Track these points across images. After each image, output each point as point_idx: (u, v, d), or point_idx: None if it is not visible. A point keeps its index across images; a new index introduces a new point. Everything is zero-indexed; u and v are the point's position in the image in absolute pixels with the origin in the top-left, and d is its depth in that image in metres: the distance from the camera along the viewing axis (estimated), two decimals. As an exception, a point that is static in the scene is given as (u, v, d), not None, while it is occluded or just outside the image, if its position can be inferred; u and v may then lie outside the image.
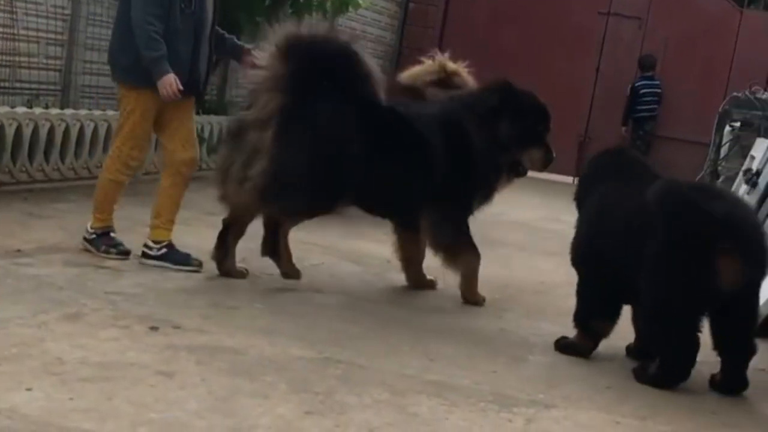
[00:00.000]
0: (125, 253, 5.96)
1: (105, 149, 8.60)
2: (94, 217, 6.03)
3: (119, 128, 6.03)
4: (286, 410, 3.90)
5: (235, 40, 6.41)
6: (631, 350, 5.30)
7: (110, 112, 8.75)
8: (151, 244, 5.96)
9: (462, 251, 6.07)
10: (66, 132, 8.08)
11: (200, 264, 5.96)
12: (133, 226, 6.33)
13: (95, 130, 8.46)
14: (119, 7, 6.03)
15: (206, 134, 10.14)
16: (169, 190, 6.03)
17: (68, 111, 8.29)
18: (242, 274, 5.97)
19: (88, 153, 8.42)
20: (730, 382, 4.92)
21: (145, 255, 5.96)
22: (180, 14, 5.83)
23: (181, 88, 5.77)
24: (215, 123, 9.94)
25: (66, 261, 5.73)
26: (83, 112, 8.45)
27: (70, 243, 6.18)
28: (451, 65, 6.75)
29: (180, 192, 6.05)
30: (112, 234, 6.02)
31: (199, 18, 5.93)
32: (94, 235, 5.99)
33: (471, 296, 6.11)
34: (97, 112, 8.62)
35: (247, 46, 6.38)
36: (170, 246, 5.97)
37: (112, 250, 5.95)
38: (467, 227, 6.13)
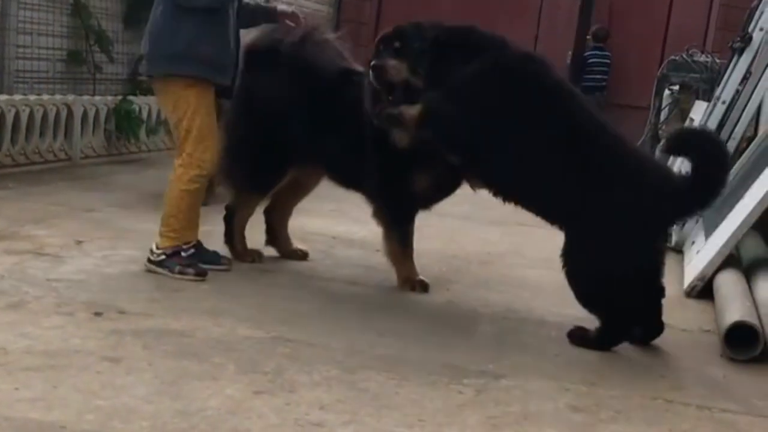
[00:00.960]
0: (203, 274, 5.47)
1: (41, 134, 8.51)
2: (162, 235, 5.49)
3: (185, 133, 5.40)
4: (235, 391, 3.87)
5: (260, 3, 5.99)
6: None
7: (45, 97, 8.64)
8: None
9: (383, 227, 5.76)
10: (1, 118, 7.94)
11: (230, 262, 5.79)
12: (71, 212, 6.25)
13: (31, 115, 8.34)
14: None
15: (144, 115, 10.05)
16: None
17: (3, 97, 8.15)
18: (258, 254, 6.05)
19: (25, 139, 8.29)
20: (651, 331, 5.03)
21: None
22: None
23: None
24: (153, 104, 9.84)
25: (6, 249, 5.64)
26: (18, 97, 8.31)
27: (9, 231, 6.09)
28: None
29: (204, 193, 5.68)
30: (183, 252, 5.51)
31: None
32: (163, 256, 5.46)
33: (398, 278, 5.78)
34: (32, 97, 8.49)
35: (276, 6, 5.94)
36: (198, 245, 5.63)
37: (189, 270, 5.43)
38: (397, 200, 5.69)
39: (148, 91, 9.90)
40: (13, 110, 8.08)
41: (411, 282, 5.70)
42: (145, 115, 9.89)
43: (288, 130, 5.72)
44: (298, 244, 6.26)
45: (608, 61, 15.22)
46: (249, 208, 6.06)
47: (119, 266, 5.57)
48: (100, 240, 6.10)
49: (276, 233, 6.22)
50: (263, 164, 5.84)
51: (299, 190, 6.18)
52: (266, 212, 6.21)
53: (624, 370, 4.68)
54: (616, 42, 15.14)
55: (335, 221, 6.60)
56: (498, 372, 4.45)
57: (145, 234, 5.95)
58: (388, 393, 4.04)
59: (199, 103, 5.37)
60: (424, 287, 5.70)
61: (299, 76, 5.74)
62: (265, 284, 5.57)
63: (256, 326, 4.73)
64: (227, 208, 6.06)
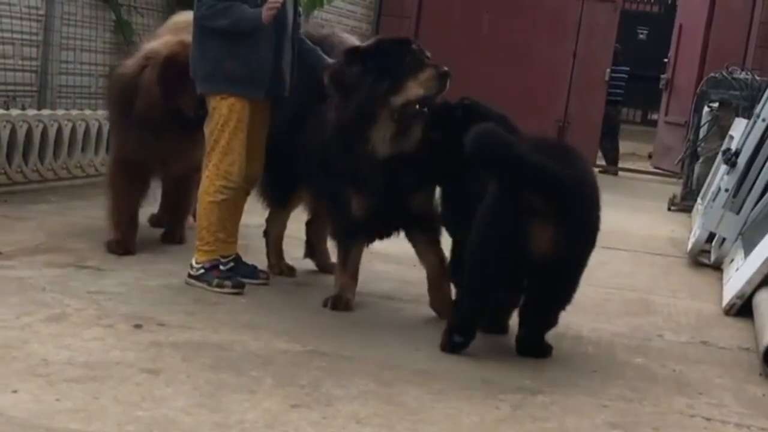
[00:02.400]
0: (240, 286, 5.50)
1: (83, 149, 8.60)
2: (198, 249, 5.55)
3: (213, 144, 5.45)
4: (272, 404, 3.90)
5: (319, 51, 5.71)
6: None
7: (87, 112, 8.74)
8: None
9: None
10: (44, 133, 8.04)
11: (268, 276, 5.81)
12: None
13: (73, 130, 8.44)
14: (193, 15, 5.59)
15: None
16: (238, 203, 5.65)
17: (45, 112, 8.25)
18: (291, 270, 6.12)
19: (67, 153, 8.39)
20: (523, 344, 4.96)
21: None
22: (261, 6, 5.35)
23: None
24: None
25: (48, 262, 5.71)
26: (60, 112, 8.41)
27: (52, 244, 6.16)
28: None
29: (242, 206, 5.73)
30: (221, 266, 5.55)
31: (280, 15, 5.42)
32: (201, 270, 5.52)
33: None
34: (74, 112, 8.58)
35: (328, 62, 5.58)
36: (237, 259, 5.67)
37: (227, 283, 5.46)
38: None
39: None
40: (56, 125, 8.18)
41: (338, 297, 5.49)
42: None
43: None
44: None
45: (624, 76, 15.38)
46: (277, 222, 6.12)
47: (159, 279, 5.63)
48: (140, 253, 6.16)
49: (314, 247, 6.26)
50: (279, 180, 5.92)
51: None
52: (306, 225, 6.27)
53: (662, 386, 4.66)
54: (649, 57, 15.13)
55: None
56: (535, 388, 4.44)
57: (183, 248, 6.01)
58: (425, 407, 4.05)
59: (230, 116, 5.40)
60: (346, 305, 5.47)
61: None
62: (301, 298, 5.61)
63: (293, 340, 4.76)
64: (265, 232, 6.16)
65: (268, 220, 6.15)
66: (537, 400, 4.29)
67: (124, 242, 6.12)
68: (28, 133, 7.84)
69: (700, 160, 10.91)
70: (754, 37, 14.18)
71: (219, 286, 5.44)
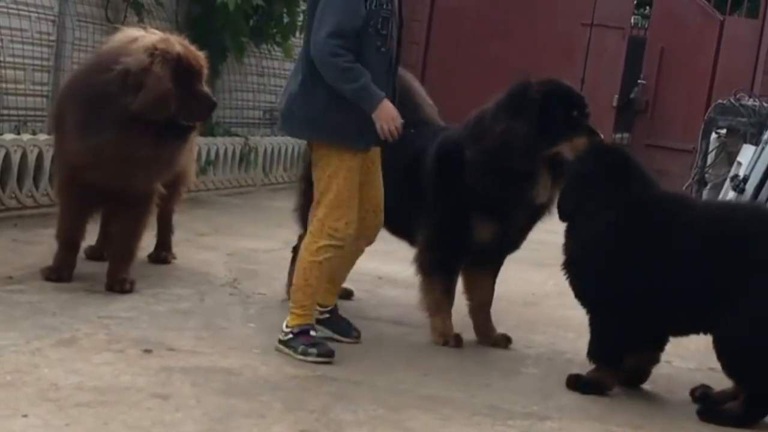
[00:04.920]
0: (329, 355, 4.92)
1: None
2: (291, 311, 5.02)
3: (320, 196, 4.94)
4: (281, 429, 3.91)
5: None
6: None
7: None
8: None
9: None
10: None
11: (359, 335, 5.34)
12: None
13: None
14: (301, 52, 5.09)
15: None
16: (351, 256, 5.27)
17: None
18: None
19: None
20: None
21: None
22: (376, 53, 4.86)
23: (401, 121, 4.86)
24: (203, 144, 9.96)
25: (58, 286, 5.73)
26: (71, 136, 8.45)
27: (62, 268, 6.17)
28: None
29: (355, 260, 5.37)
30: (312, 332, 5.01)
31: (390, 58, 5.00)
32: (290, 335, 4.96)
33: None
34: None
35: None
36: (334, 311, 5.37)
37: (312, 350, 4.89)
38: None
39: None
40: (66, 149, 8.21)
41: (445, 336, 5.49)
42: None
43: None
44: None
45: None
46: None
47: (168, 304, 5.64)
48: (150, 278, 6.17)
49: None
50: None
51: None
52: None
53: (670, 413, 4.66)
54: (663, 85, 15.10)
55: (381, 261, 6.63)
56: (543, 413, 4.45)
57: (193, 273, 6.02)
58: (433, 433, 4.06)
59: (340, 167, 4.89)
60: (458, 342, 5.48)
61: None
62: (311, 323, 5.62)
63: (302, 364, 4.78)
64: (294, 249, 6.00)
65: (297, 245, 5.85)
66: (545, 426, 4.30)
67: (58, 269, 5.84)
68: (39, 158, 7.88)
69: (708, 187, 10.91)
70: (762, 63, 14.21)
71: (304, 353, 4.89)
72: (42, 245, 6.78)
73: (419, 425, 4.13)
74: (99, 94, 5.47)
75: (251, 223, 8.19)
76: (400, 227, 5.69)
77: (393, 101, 4.95)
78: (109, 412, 3.89)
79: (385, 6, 4.86)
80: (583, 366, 5.25)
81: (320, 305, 5.21)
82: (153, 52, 5.47)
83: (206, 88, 5.76)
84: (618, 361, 4.89)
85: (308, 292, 4.97)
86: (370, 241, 5.31)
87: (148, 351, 4.71)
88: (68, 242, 5.90)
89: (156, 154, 5.61)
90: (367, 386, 4.57)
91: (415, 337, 5.58)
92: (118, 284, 5.72)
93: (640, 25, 19.95)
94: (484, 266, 5.62)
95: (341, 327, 5.32)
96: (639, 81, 15.43)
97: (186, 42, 5.75)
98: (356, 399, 4.36)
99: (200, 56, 5.74)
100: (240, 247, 7.33)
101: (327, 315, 5.29)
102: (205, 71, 5.75)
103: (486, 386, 4.77)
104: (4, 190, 7.58)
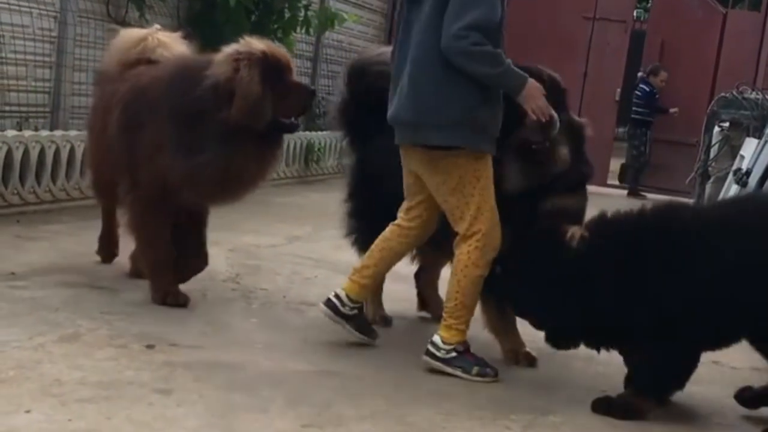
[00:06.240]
0: (497, 374, 4.80)
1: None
2: (452, 327, 4.80)
3: (476, 211, 4.71)
4: (284, 424, 3.91)
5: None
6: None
7: (100, 133, 8.76)
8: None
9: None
10: (56, 154, 8.08)
11: (496, 374, 4.85)
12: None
13: (86, 151, 8.47)
14: (419, 49, 4.73)
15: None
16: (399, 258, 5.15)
17: (58, 132, 8.29)
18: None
19: (80, 174, 8.43)
20: None
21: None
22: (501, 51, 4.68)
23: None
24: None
25: (60, 282, 5.73)
26: (73, 133, 8.44)
27: (64, 264, 6.18)
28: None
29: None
30: (469, 348, 4.85)
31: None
32: (453, 353, 4.77)
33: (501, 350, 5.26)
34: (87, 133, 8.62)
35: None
36: (362, 308, 5.15)
37: (488, 371, 4.77)
38: None
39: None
40: (69, 146, 8.21)
41: (515, 354, 5.19)
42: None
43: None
44: (343, 279, 6.28)
45: (639, 93, 15.15)
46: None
47: (171, 299, 5.64)
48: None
49: (427, 298, 6.06)
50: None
51: None
52: (415, 277, 6.07)
53: (674, 407, 4.65)
54: (670, 80, 15.07)
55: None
56: (546, 407, 4.45)
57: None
58: (435, 428, 4.07)
59: (485, 175, 4.72)
60: (530, 361, 5.16)
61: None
62: (312, 318, 5.61)
63: (304, 360, 4.78)
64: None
65: None
66: (548, 420, 4.30)
67: (176, 293, 5.53)
68: (41, 154, 7.89)
69: (711, 180, 10.91)
70: (765, 56, 14.21)
71: (480, 375, 4.75)
72: (45, 241, 6.80)
73: (422, 420, 4.13)
74: (192, 112, 5.18)
75: (253, 219, 8.19)
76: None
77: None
78: (111, 407, 3.88)
79: (504, 6, 4.77)
80: (587, 360, 5.24)
81: (353, 300, 5.05)
82: (236, 57, 5.24)
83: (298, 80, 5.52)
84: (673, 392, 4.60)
85: (472, 308, 4.84)
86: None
87: (150, 346, 4.72)
88: (167, 263, 5.54)
89: (261, 165, 5.40)
90: (369, 381, 4.57)
91: (418, 331, 5.58)
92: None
93: (642, 18, 19.94)
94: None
95: (365, 326, 5.17)
96: (639, 74, 15.41)
97: (267, 41, 5.53)
98: (358, 394, 4.36)
99: (283, 50, 5.60)
100: (242, 242, 7.34)
101: (356, 311, 5.08)
102: (293, 63, 5.48)
103: (488, 381, 4.76)
104: (7, 187, 7.58)
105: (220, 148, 5.15)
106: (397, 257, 5.11)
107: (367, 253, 5.10)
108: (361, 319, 5.14)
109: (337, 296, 5.05)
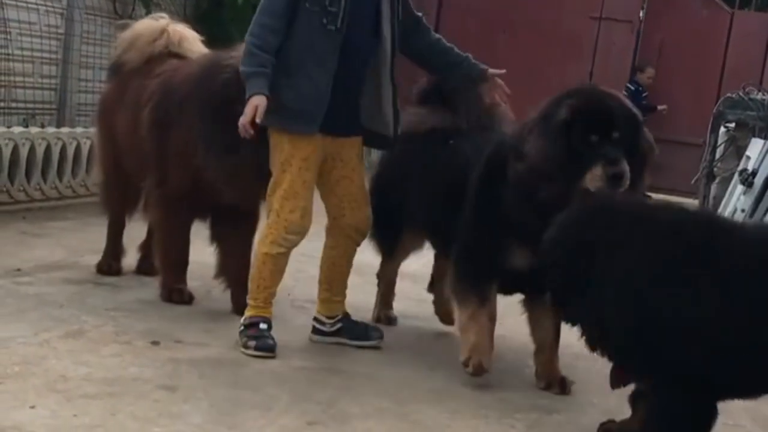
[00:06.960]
0: (267, 350, 4.76)
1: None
2: (248, 304, 4.96)
3: (273, 186, 4.80)
4: (288, 421, 3.92)
5: (471, 59, 5.31)
6: None
7: (106, 130, 8.78)
8: (323, 319, 5.13)
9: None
10: (63, 150, 8.10)
11: (381, 336, 5.12)
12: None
13: (92, 148, 8.48)
14: None
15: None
16: (341, 260, 5.11)
17: (64, 129, 8.31)
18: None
19: (86, 171, 8.44)
20: None
21: (316, 331, 5.15)
22: (318, 31, 4.67)
23: (257, 120, 4.59)
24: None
25: (66, 278, 5.75)
26: (79, 130, 8.47)
27: (70, 261, 6.20)
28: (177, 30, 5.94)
29: (350, 260, 5.14)
30: (262, 325, 4.86)
31: (351, 41, 4.74)
32: (242, 327, 4.87)
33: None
34: (93, 130, 8.63)
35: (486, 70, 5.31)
36: (345, 319, 5.15)
37: (250, 344, 4.76)
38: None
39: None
40: (75, 142, 8.24)
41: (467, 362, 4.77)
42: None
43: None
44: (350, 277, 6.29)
45: (625, 93, 15.08)
46: (388, 270, 5.84)
47: (176, 296, 5.65)
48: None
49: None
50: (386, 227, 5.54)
51: None
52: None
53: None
54: (671, 78, 15.05)
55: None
56: (550, 407, 4.45)
57: (200, 265, 6.01)
58: (440, 426, 4.07)
59: (293, 154, 4.75)
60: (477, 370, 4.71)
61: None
62: (318, 316, 5.62)
63: (309, 357, 4.79)
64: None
65: (380, 268, 5.82)
66: (552, 419, 4.30)
67: (181, 291, 5.56)
68: (47, 151, 7.90)
69: (717, 181, 10.90)
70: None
71: (244, 346, 4.79)
72: (50, 238, 6.82)
73: (426, 418, 4.13)
74: (227, 111, 4.93)
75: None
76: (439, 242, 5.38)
77: (356, 93, 4.82)
78: (116, 403, 3.89)
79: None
80: (590, 360, 5.24)
81: (327, 317, 5.09)
82: None
83: None
84: None
85: (262, 285, 4.87)
86: (357, 241, 5.10)
87: (155, 343, 4.72)
88: (182, 262, 5.59)
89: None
90: (374, 379, 4.57)
91: (423, 330, 5.59)
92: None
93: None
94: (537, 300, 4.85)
95: (359, 332, 5.14)
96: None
97: None
98: (363, 392, 4.36)
99: None
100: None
101: (339, 325, 5.10)
102: None
103: (493, 380, 4.76)
104: (13, 183, 7.60)
105: (256, 147, 4.91)
106: (340, 259, 5.08)
107: (322, 271, 5.16)
108: (349, 328, 5.12)
109: (315, 319, 5.15)
